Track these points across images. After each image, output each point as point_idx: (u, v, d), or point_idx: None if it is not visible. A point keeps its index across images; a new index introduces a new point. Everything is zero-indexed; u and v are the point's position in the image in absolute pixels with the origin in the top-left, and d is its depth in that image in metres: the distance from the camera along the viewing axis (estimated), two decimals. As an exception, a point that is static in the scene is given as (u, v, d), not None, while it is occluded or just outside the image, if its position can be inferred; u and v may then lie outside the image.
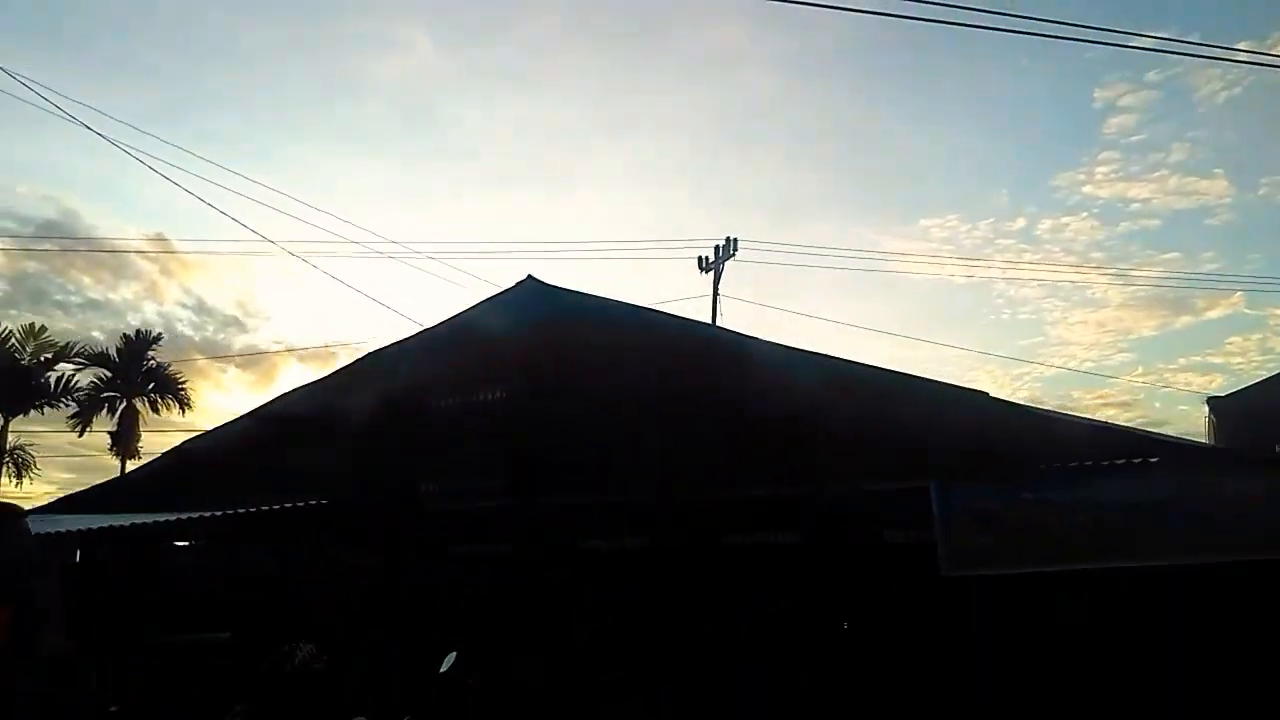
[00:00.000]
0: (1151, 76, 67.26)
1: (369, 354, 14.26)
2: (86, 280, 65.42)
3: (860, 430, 10.07)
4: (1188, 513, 9.26)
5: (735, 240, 31.15)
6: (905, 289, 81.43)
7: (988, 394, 10.63)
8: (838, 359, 11.12)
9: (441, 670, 7.76)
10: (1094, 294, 69.19)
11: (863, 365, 10.95)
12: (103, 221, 75.59)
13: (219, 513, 11.19)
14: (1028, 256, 75.79)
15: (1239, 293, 68.04)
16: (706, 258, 31.13)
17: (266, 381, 68.32)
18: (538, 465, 12.09)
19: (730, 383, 11.17)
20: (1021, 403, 11.24)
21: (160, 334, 36.16)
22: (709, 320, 29.60)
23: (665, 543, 11.21)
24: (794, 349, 11.11)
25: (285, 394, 14.38)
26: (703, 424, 10.91)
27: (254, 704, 6.36)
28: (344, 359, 57.28)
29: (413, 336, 13.98)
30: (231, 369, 69.80)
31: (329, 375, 14.34)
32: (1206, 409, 41.01)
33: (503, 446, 12.55)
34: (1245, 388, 41.49)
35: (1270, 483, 9.21)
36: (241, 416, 14.33)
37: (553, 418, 12.31)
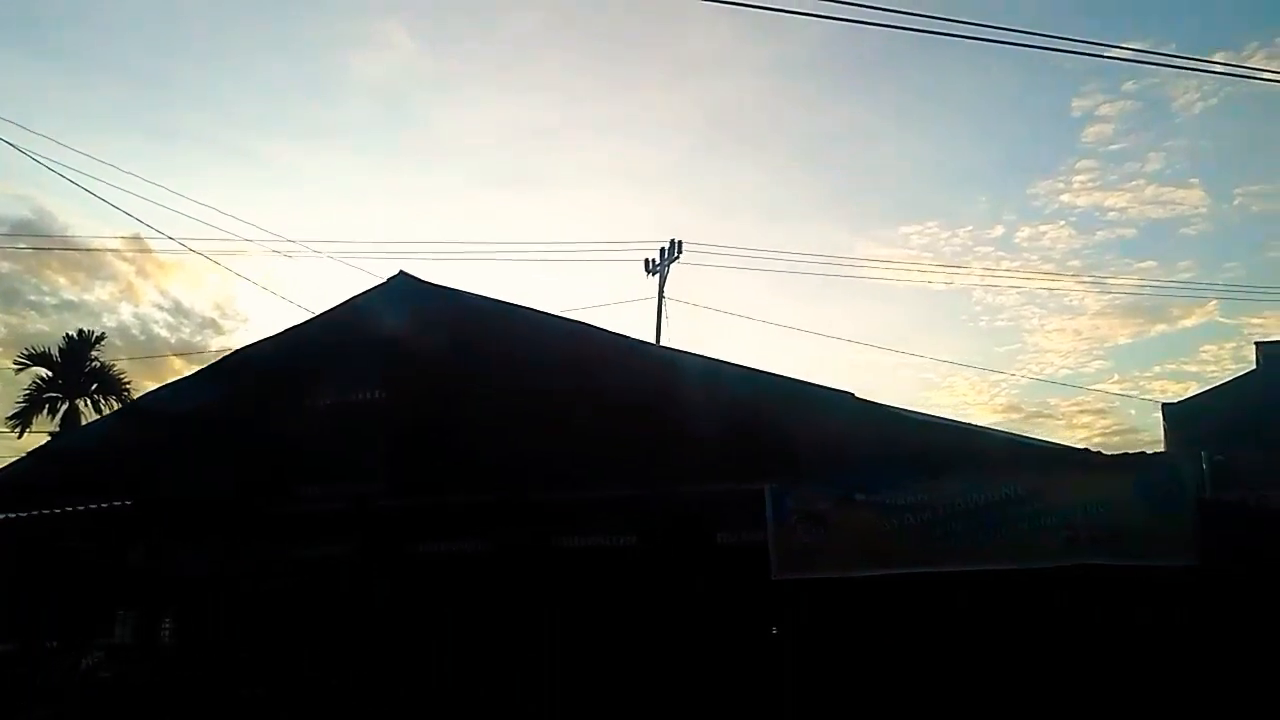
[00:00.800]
0: (1129, 86, 67.18)
1: (237, 351, 13.81)
2: (62, 281, 64.75)
3: (705, 430, 9.69)
4: (1027, 516, 8.88)
5: (680, 243, 30.81)
6: (884, 295, 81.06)
7: (852, 394, 10.25)
8: (704, 358, 10.72)
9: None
10: (1071, 301, 68.79)
11: (728, 364, 10.56)
12: (77, 221, 75.07)
13: (25, 514, 10.74)
14: (1005, 264, 75.54)
15: (1214, 301, 67.80)
16: (652, 260, 30.78)
17: (239, 383, 67.62)
18: (393, 464, 11.63)
19: (592, 382, 10.75)
20: (891, 405, 10.81)
21: (103, 334, 35.47)
22: (655, 324, 29.27)
23: (505, 545, 10.76)
24: (659, 348, 10.74)
25: (153, 391, 13.92)
26: (556, 423, 10.50)
27: (48, 711, 5.95)
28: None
29: (284, 333, 13.53)
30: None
31: (197, 372, 13.89)
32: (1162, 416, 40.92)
33: (363, 445, 12.10)
34: (1198, 394, 41.27)
35: (1110, 482, 8.81)
36: (108, 415, 13.88)
37: (419, 416, 11.89)
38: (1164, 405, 40.55)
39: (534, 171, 73.84)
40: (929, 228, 72.44)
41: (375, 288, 12.94)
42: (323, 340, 12.95)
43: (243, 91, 70.26)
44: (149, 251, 62.84)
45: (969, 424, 9.89)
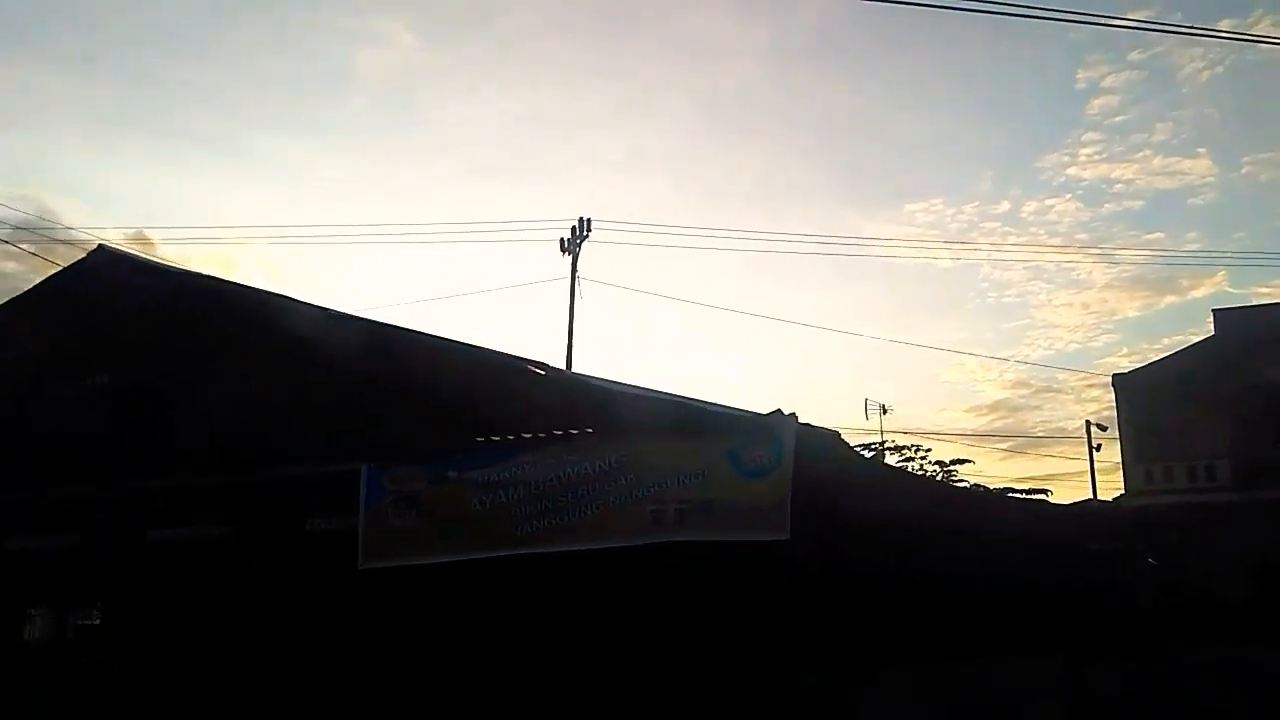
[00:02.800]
0: (1134, 57, 64.73)
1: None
2: None
3: (305, 402, 8.55)
4: (617, 490, 7.65)
5: (589, 221, 29.94)
6: (889, 273, 79.14)
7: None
8: (312, 307, 9.37)
9: None
10: (1079, 276, 66.78)
11: (335, 315, 9.20)
12: (82, 220, 75.36)
13: None
14: (1012, 239, 73.53)
15: (1222, 271, 65.34)
16: (565, 239, 29.92)
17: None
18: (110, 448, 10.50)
19: (218, 355, 9.60)
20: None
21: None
22: (569, 302, 28.31)
23: (91, 539, 9.52)
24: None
25: None
26: (167, 404, 9.41)
27: None
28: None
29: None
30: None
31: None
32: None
33: (81, 427, 11.01)
34: (1149, 364, 39.32)
35: (704, 450, 7.53)
36: None
37: (129, 394, 10.84)
38: (1114, 375, 38.71)
39: (534, 161, 72.82)
40: (934, 205, 70.60)
41: (79, 262, 11.88)
42: (18, 325, 11.92)
43: (244, 89, 69.93)
44: (150, 241, 62.62)
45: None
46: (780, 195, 74.48)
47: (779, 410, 7.49)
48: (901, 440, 32.51)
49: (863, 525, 8.19)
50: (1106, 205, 67.31)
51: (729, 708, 7.19)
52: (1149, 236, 71.63)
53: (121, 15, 67.68)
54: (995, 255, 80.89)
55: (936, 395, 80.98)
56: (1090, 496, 37.65)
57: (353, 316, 9.24)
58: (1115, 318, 69.12)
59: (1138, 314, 68.24)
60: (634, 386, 8.17)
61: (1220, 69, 62.78)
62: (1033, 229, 68.01)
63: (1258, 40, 57.33)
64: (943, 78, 71.93)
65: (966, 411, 75.53)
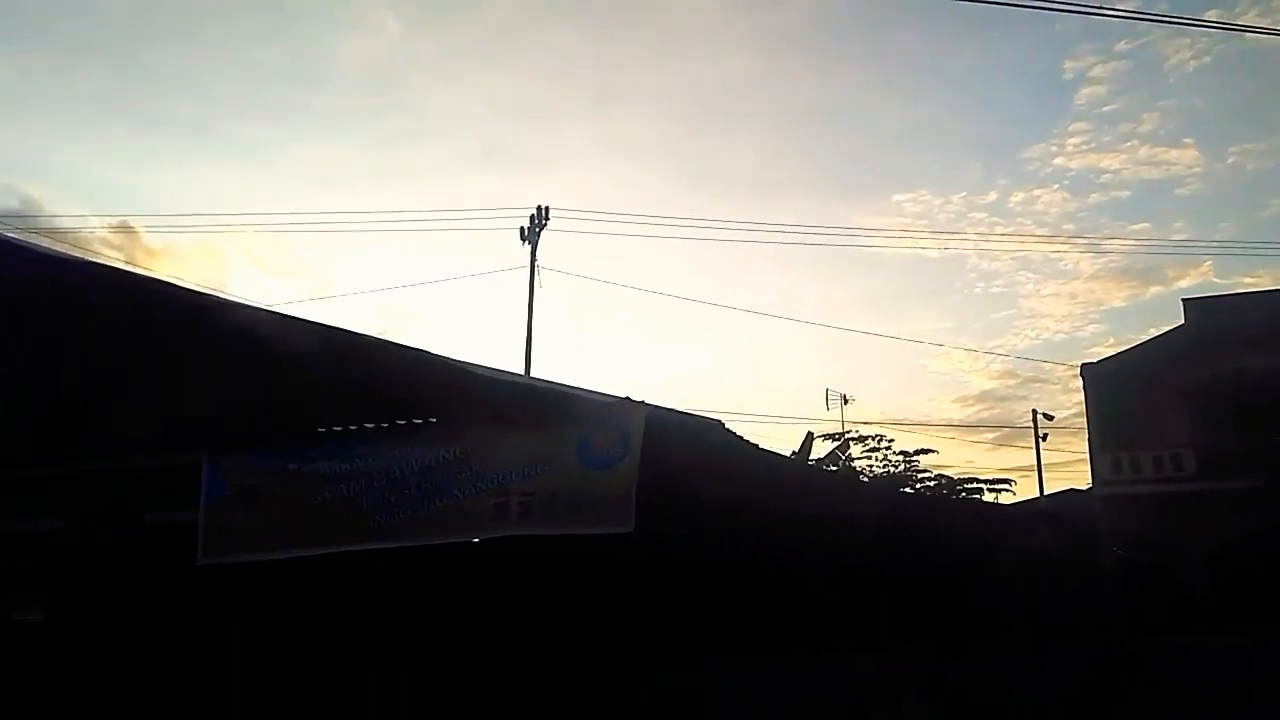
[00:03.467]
0: (1121, 46, 64.35)
1: None
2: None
3: (144, 386, 7.98)
4: (461, 482, 7.11)
5: (547, 209, 29.59)
6: (875, 263, 78.59)
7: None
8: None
9: None
10: (1066, 266, 66.43)
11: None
12: (66, 209, 74.49)
13: None
14: (1000, 229, 73.16)
15: (1208, 261, 65.13)
16: (524, 228, 29.55)
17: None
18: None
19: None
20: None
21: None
22: (529, 292, 27.86)
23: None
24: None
25: None
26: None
27: None
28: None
29: None
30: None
31: None
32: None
33: None
34: (1117, 354, 38.91)
35: (552, 438, 6.99)
36: None
37: None
38: (1082, 365, 38.29)
39: (520, 150, 72.13)
40: (922, 195, 70.19)
41: None
42: None
43: (229, 76, 69.01)
44: (133, 231, 61.73)
45: (477, 368, 7.99)
46: (767, 185, 74.06)
47: (628, 397, 6.97)
48: (902, 435, 31.99)
49: (735, 517, 7.71)
50: (1093, 195, 67.06)
51: (570, 710, 6.70)
52: (1135, 227, 71.51)
53: (104, 1, 66.79)
54: (982, 246, 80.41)
55: (924, 385, 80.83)
56: (1073, 486, 37.25)
57: (197, 293, 8.64)
58: (1102, 308, 69.04)
59: (1124, 304, 68.08)
60: (488, 370, 7.61)
61: (1207, 59, 62.48)
62: (1020, 219, 67.79)
63: (1245, 30, 57.00)
64: (930, 68, 71.50)
65: (954, 402, 75.41)
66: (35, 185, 67.34)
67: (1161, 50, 63.32)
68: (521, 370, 27.01)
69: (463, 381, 7.15)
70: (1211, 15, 61.02)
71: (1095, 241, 67.49)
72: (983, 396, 69.91)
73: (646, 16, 71.52)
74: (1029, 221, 67.76)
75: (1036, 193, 67.80)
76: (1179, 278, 60.51)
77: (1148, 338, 37.71)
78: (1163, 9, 63.08)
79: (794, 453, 32.20)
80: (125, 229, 59.55)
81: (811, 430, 32.44)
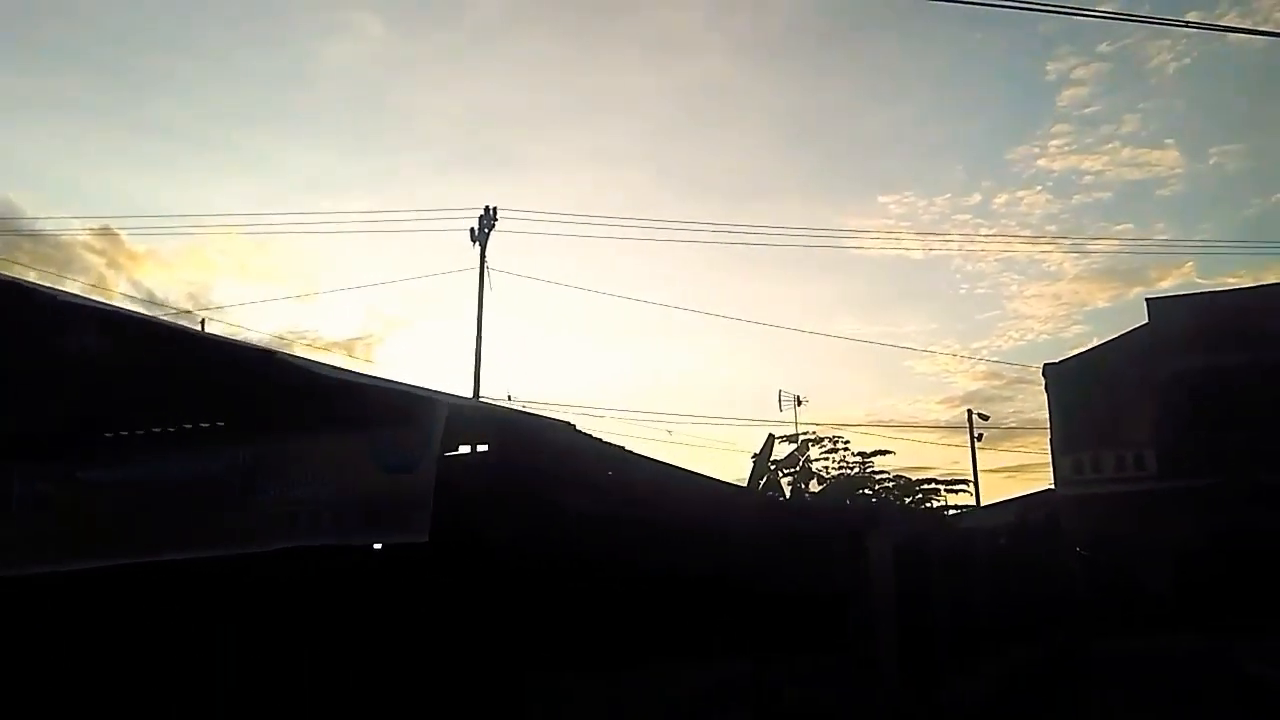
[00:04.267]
0: (1103, 48, 64.00)
1: None
2: (31, 275, 62.39)
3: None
4: (253, 489, 6.47)
5: (495, 209, 29.03)
6: (861, 265, 78.15)
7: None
8: None
9: None
10: (1050, 267, 66.07)
11: None
12: (46, 213, 73.63)
13: None
14: (984, 231, 72.85)
15: (1190, 262, 64.96)
16: (474, 229, 28.99)
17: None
18: None
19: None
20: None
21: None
22: (478, 293, 27.25)
23: None
24: None
25: None
26: None
27: None
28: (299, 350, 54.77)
29: None
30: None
31: None
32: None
33: None
34: (1079, 354, 38.45)
35: (350, 442, 6.36)
36: None
37: None
38: (1044, 365, 37.83)
39: (506, 153, 71.37)
40: (906, 197, 69.70)
41: None
42: None
43: (211, 79, 68.12)
44: (115, 235, 60.85)
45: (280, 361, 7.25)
46: (750, 188, 73.46)
47: (433, 393, 6.35)
48: (870, 438, 31.38)
49: (583, 523, 7.10)
50: (1076, 197, 66.74)
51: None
52: (1118, 227, 71.16)
53: (86, 4, 65.87)
54: (967, 248, 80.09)
55: (910, 387, 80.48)
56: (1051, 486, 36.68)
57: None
58: (1085, 309, 68.74)
59: (1108, 305, 67.82)
60: (298, 365, 6.95)
61: (1188, 61, 62.21)
62: (1004, 220, 67.40)
63: (1226, 30, 56.84)
64: (914, 70, 71.02)
65: (939, 403, 75.07)
66: (14, 189, 66.50)
67: (1143, 52, 63.20)
68: (472, 374, 26.42)
69: (257, 379, 6.51)
70: (1192, 17, 61.01)
71: (1079, 243, 67.12)
72: (968, 398, 69.69)
73: (629, 21, 71.04)
74: (1012, 223, 67.57)
75: (1020, 194, 67.56)
76: (1161, 278, 60.30)
77: (1110, 337, 37.30)
78: (1145, 10, 62.69)
79: (756, 455, 31.62)
80: (107, 232, 58.70)
81: (773, 432, 31.79)
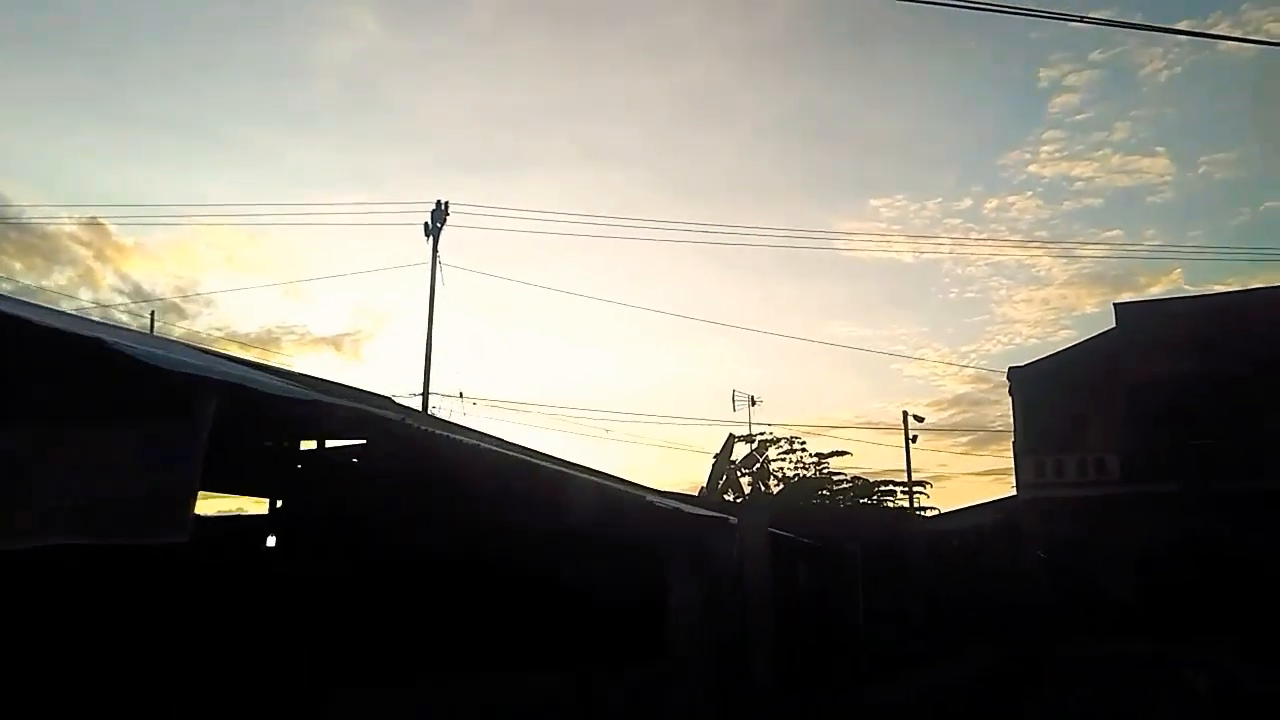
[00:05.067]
0: (1096, 56, 63.66)
1: None
2: (17, 267, 61.70)
3: None
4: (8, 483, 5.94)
5: (447, 204, 28.58)
6: (852, 268, 77.65)
7: None
8: None
9: None
10: (1039, 272, 65.54)
11: None
12: (34, 204, 72.88)
13: None
14: (974, 235, 72.42)
15: (1178, 269, 64.66)
16: (427, 224, 28.52)
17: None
18: None
19: None
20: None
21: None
22: (429, 288, 26.73)
23: None
24: None
25: None
26: None
27: None
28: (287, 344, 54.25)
29: None
30: (175, 356, 66.62)
31: None
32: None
33: None
34: (1045, 357, 38.01)
35: (119, 436, 5.86)
36: None
37: None
38: (1009, 368, 37.37)
39: (503, 153, 70.80)
40: (898, 200, 69.25)
41: None
42: None
43: (206, 73, 67.43)
44: (103, 226, 60.16)
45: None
46: (745, 190, 72.99)
47: (201, 378, 5.81)
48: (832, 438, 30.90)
49: (393, 522, 6.61)
50: (1066, 202, 66.29)
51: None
52: (1108, 234, 70.76)
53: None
54: (957, 250, 79.59)
55: (899, 390, 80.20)
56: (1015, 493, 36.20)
57: None
58: (1074, 314, 68.46)
59: (1097, 310, 67.71)
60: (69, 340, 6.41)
61: (1179, 69, 61.84)
62: (994, 225, 67.00)
63: (1218, 38, 56.41)
64: (907, 75, 70.57)
65: (928, 406, 74.69)
66: (3, 180, 65.80)
67: (1135, 60, 62.77)
68: (422, 372, 25.85)
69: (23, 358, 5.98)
70: (1184, 26, 60.79)
71: (1069, 248, 66.72)
72: (957, 400, 69.57)
73: (627, 23, 70.50)
74: (1003, 228, 67.13)
75: (1010, 199, 67.12)
76: (1151, 284, 59.84)
77: (1076, 341, 36.93)
78: (1137, 18, 62.22)
79: (717, 455, 31.21)
80: (94, 224, 58.12)
81: (734, 433, 31.38)
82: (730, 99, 72.09)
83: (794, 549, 13.36)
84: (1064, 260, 66.38)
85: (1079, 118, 67.82)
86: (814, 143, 73.94)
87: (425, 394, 21.53)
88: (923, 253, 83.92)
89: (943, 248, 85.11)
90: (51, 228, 59.19)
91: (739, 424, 31.26)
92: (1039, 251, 66.44)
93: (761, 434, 29.62)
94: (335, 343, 59.18)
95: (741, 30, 70.38)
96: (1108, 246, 75.14)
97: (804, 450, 28.87)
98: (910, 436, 30.46)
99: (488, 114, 72.43)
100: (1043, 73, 66.87)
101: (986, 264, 75.27)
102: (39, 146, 62.65)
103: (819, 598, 14.96)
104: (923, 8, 7.60)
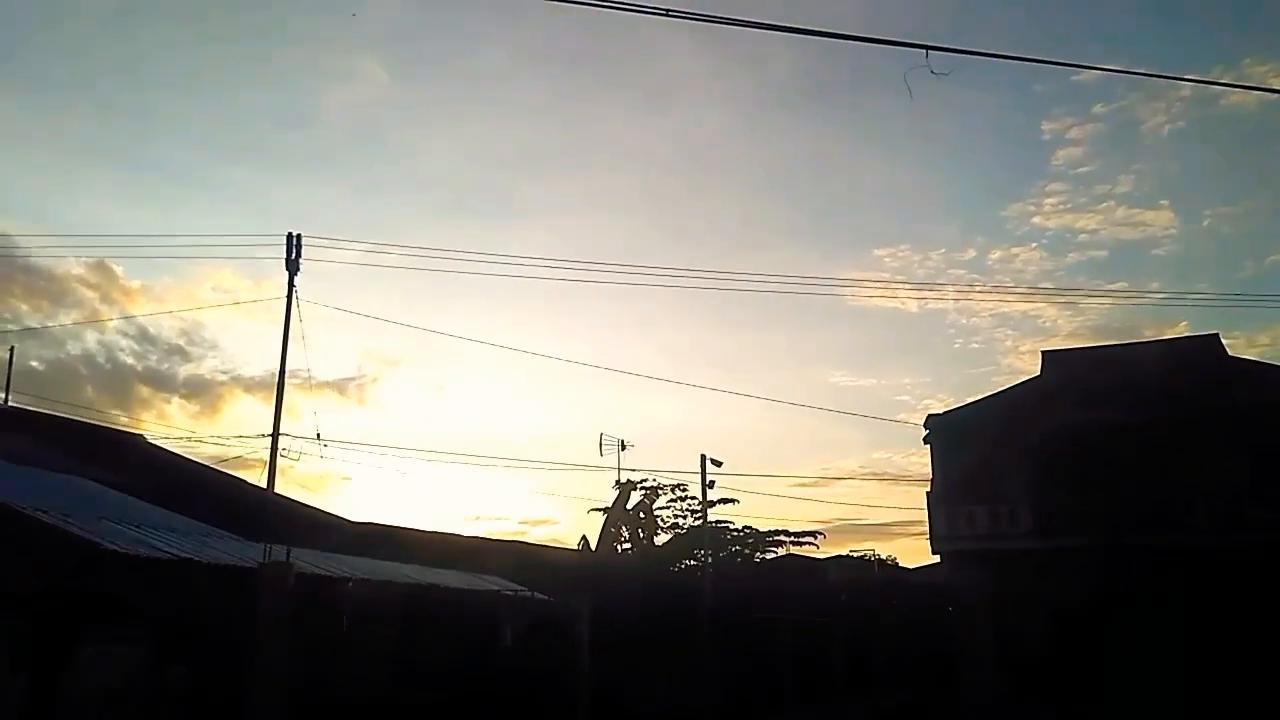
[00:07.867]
0: (1098, 109, 62.64)
1: None
2: (24, 308, 61.92)
3: None
4: None
5: (299, 236, 27.82)
6: (860, 316, 76.51)
7: None
8: None
9: None
10: (1044, 323, 63.93)
11: None
12: (41, 247, 74.07)
13: None
14: (978, 286, 71.36)
15: (1184, 322, 62.99)
16: (287, 258, 27.82)
17: (211, 413, 65.22)
18: None
19: None
20: None
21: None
22: (284, 323, 25.93)
23: None
24: None
25: None
26: None
27: None
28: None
29: None
30: (176, 399, 66.88)
31: None
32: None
33: None
34: (964, 405, 36.39)
35: None
36: None
37: None
38: (928, 416, 35.74)
39: (504, 199, 71.07)
40: (901, 250, 68.42)
41: None
42: None
43: (215, 121, 68.41)
44: (110, 270, 60.55)
45: None
46: (748, 239, 72.51)
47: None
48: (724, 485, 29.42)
49: None
50: (1070, 254, 64.96)
51: None
52: (1112, 286, 69.32)
53: (91, 44, 66.55)
54: (962, 297, 78.15)
55: (901, 439, 78.79)
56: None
57: None
58: None
59: None
60: None
61: (1181, 123, 60.78)
62: (998, 276, 65.92)
63: (1227, 86, 55.22)
64: (911, 127, 70.00)
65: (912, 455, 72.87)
66: (11, 222, 66.72)
67: (1137, 114, 61.63)
68: (272, 413, 24.91)
69: None
70: (1189, 79, 59.87)
71: (1073, 300, 65.42)
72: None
73: (629, 74, 70.67)
74: (1007, 279, 66.12)
75: (1014, 251, 65.85)
76: (1154, 337, 58.39)
77: (999, 389, 35.30)
78: (1141, 70, 61.21)
79: (608, 508, 29.90)
80: (101, 266, 58.45)
81: (631, 479, 30.12)
82: (732, 149, 71.88)
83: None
84: (1069, 312, 64.83)
85: (1082, 170, 66.73)
86: (816, 193, 73.40)
87: (275, 435, 20.57)
88: (926, 302, 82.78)
89: (947, 298, 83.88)
90: (59, 270, 59.63)
91: (608, 469, 29.50)
92: (1043, 303, 65.02)
93: (644, 481, 28.40)
94: (339, 386, 58.69)
95: (744, 82, 70.28)
96: (1112, 298, 73.60)
97: (690, 499, 27.59)
98: (709, 482, 28.02)
99: (488, 158, 72.67)
100: (1046, 125, 66.03)
101: (991, 314, 73.94)
102: (49, 190, 63.51)
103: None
104: (924, 61, 7.70)
